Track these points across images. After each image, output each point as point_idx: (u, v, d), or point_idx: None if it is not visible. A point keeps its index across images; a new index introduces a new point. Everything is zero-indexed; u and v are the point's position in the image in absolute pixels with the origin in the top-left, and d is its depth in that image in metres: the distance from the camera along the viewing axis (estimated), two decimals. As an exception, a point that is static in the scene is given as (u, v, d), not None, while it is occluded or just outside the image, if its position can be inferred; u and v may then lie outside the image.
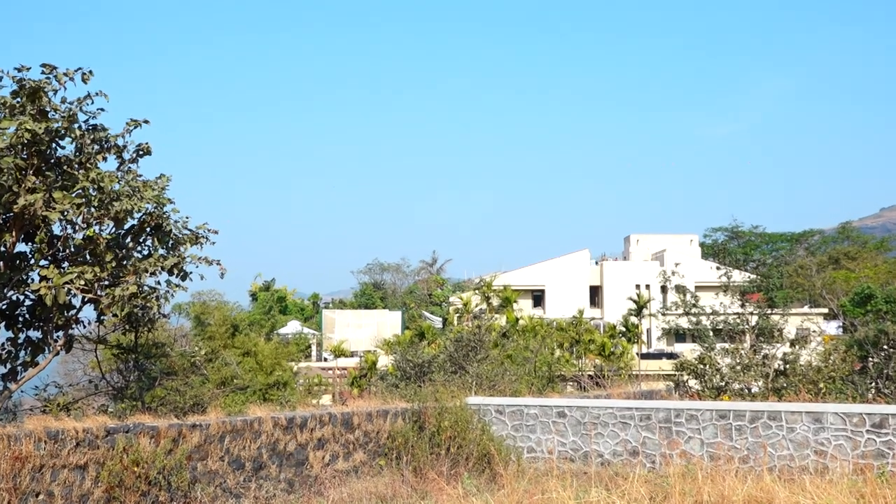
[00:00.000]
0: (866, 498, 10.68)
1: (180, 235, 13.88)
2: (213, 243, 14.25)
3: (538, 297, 77.35)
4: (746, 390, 22.96)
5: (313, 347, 69.56)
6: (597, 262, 79.15)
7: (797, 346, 24.53)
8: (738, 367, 23.04)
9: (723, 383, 23.07)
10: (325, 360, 66.92)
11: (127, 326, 14.99)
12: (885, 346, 24.76)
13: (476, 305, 63.21)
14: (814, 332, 26.99)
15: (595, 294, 77.07)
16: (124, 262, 13.20)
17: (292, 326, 72.15)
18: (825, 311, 64.74)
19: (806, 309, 62.88)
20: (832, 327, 62.42)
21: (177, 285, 13.75)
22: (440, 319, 76.85)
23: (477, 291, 64.76)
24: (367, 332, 71.16)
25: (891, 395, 22.11)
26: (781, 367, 23.67)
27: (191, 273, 13.86)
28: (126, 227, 13.42)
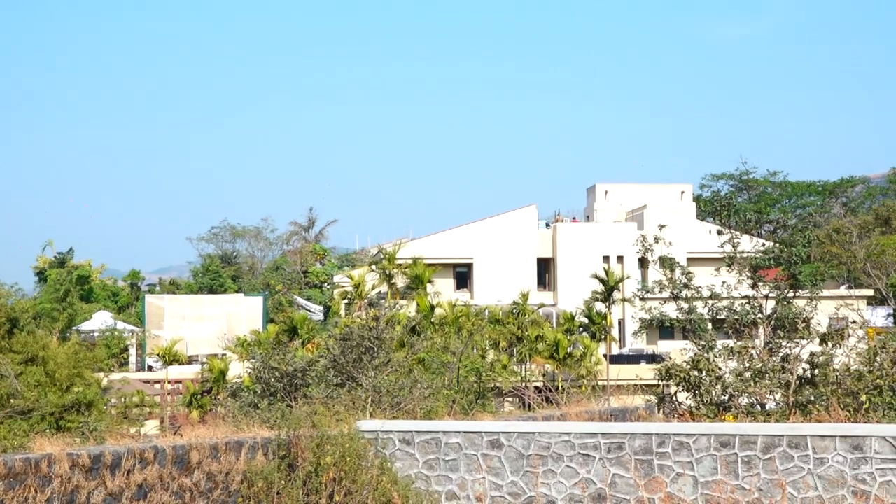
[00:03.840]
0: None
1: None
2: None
3: (463, 275, 77.72)
4: (759, 406, 23.40)
5: (132, 350, 68.81)
6: (548, 225, 79.66)
7: (830, 344, 24.96)
8: (748, 374, 23.39)
9: (726, 397, 23.44)
10: (150, 368, 66.26)
11: None
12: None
13: (373, 287, 63.25)
14: (854, 322, 27.65)
15: (545, 270, 77.74)
16: None
17: (100, 319, 71.22)
18: (870, 293, 66.55)
19: (843, 291, 64.61)
20: (879, 316, 64.25)
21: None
22: (320, 308, 76.72)
23: (374, 267, 64.82)
24: (213, 327, 70.65)
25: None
26: (808, 374, 24.14)
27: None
28: None
